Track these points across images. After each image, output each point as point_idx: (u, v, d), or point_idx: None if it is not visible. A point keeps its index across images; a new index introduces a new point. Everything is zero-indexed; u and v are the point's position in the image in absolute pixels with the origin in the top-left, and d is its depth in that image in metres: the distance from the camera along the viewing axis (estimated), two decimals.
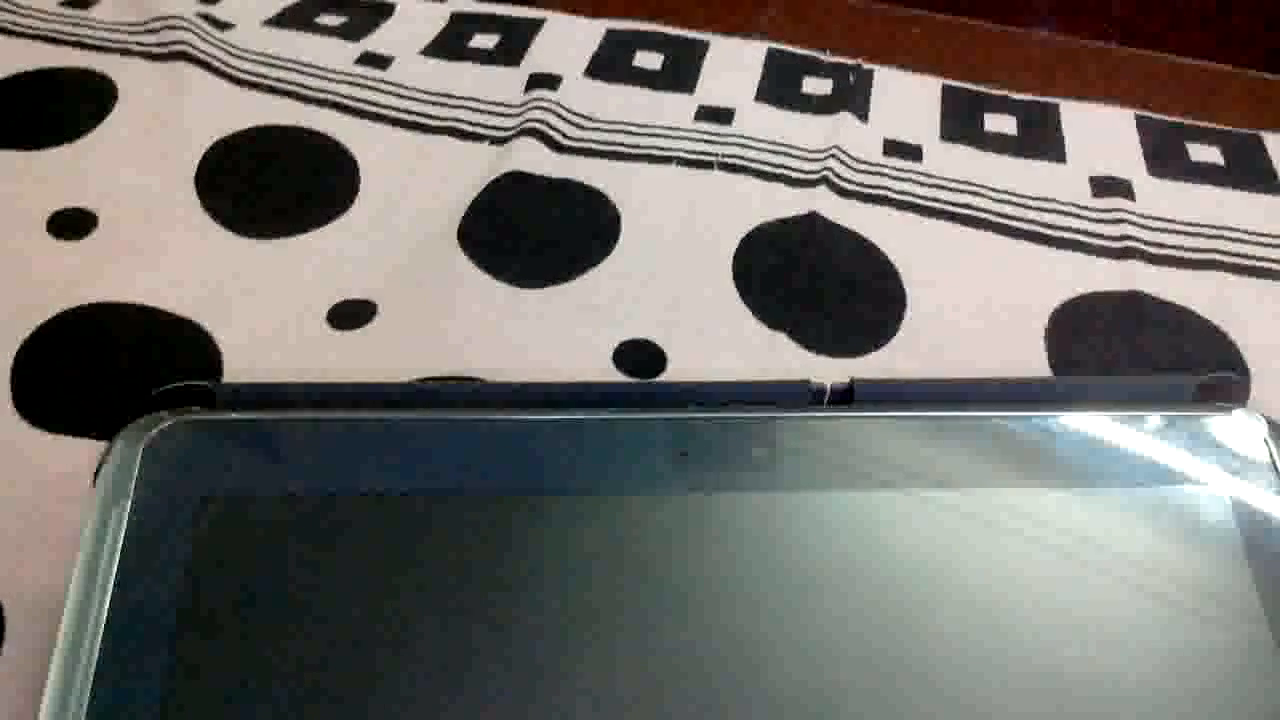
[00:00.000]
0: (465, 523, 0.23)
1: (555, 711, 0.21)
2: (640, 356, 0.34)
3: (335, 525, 0.23)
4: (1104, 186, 0.41)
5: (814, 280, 0.36)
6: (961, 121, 0.43)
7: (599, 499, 0.24)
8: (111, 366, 0.32)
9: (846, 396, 0.27)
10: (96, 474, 0.23)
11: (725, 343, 0.34)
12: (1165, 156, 0.42)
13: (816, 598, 0.23)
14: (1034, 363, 0.34)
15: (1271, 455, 0.26)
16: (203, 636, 0.21)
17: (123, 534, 0.22)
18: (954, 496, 0.25)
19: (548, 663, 0.22)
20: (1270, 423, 0.26)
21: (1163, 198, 0.40)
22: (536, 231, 0.37)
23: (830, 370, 0.34)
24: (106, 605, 0.21)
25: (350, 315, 0.34)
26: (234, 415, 0.24)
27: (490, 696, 0.21)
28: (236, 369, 0.32)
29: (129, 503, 0.22)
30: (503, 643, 0.22)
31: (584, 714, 0.21)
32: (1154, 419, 0.27)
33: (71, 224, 0.36)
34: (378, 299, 0.35)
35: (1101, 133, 0.43)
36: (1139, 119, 0.44)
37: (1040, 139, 0.43)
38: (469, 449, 0.24)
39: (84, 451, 0.30)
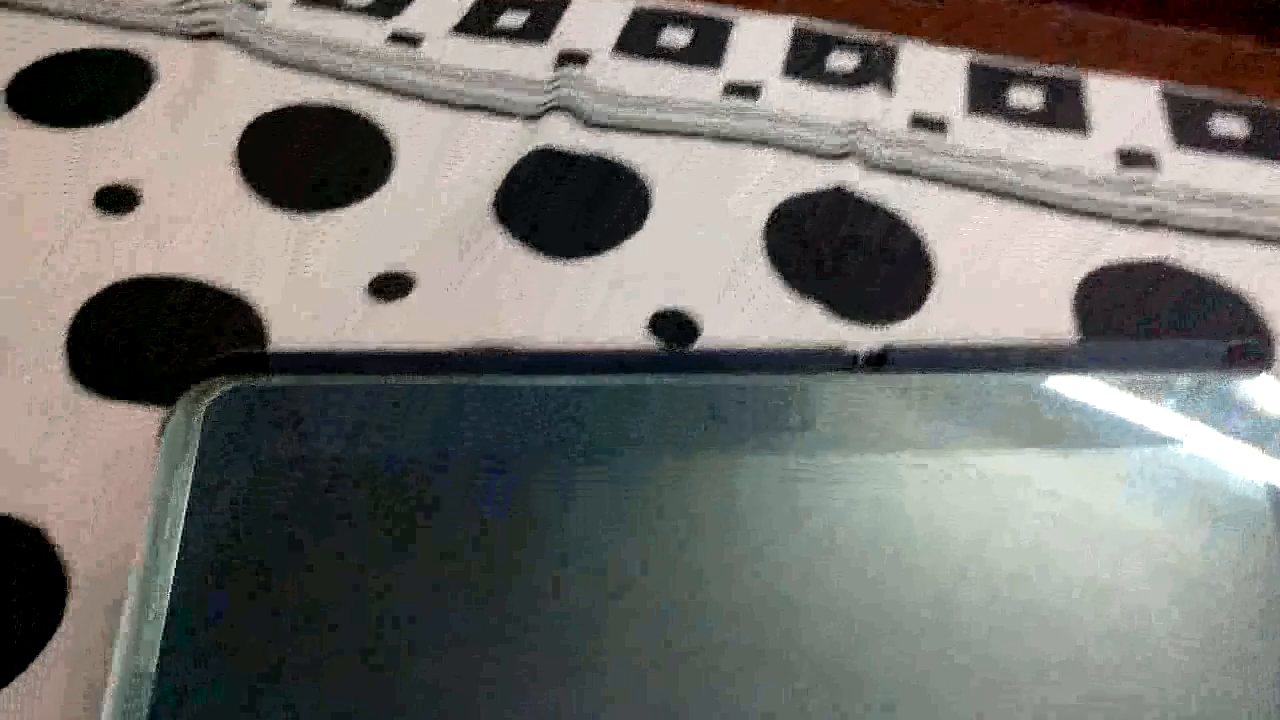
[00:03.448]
0: (513, 485, 0.24)
1: (594, 669, 0.22)
2: (674, 327, 0.34)
3: (389, 486, 0.24)
4: (1129, 158, 0.41)
5: (843, 252, 0.37)
6: (987, 95, 0.43)
7: (640, 463, 0.25)
8: (160, 338, 0.33)
9: (880, 361, 0.28)
10: (160, 436, 0.24)
11: (758, 313, 0.35)
12: (1190, 129, 0.43)
13: (852, 559, 0.24)
14: (1062, 331, 0.35)
15: None
16: (266, 593, 0.22)
17: (187, 493, 0.23)
18: (986, 458, 0.26)
19: (586, 623, 0.23)
20: None
21: (1188, 169, 0.41)
22: (570, 205, 0.38)
23: (862, 339, 0.34)
24: (174, 562, 0.22)
25: (390, 287, 0.35)
26: (290, 380, 0.25)
27: (535, 654, 0.22)
28: (281, 339, 0.33)
29: (193, 463, 0.23)
30: (548, 602, 0.23)
31: (622, 671, 0.22)
32: (1182, 382, 0.27)
33: (117, 200, 0.37)
34: (416, 272, 0.36)
35: (1126, 105, 0.43)
36: (1163, 92, 0.44)
37: (1065, 112, 0.43)
38: (518, 413, 0.25)
39: (138, 417, 0.30)
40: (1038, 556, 0.24)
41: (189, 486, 0.23)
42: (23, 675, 0.25)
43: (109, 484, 0.29)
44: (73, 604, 0.27)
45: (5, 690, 0.25)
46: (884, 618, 0.23)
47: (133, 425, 0.30)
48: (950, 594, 0.24)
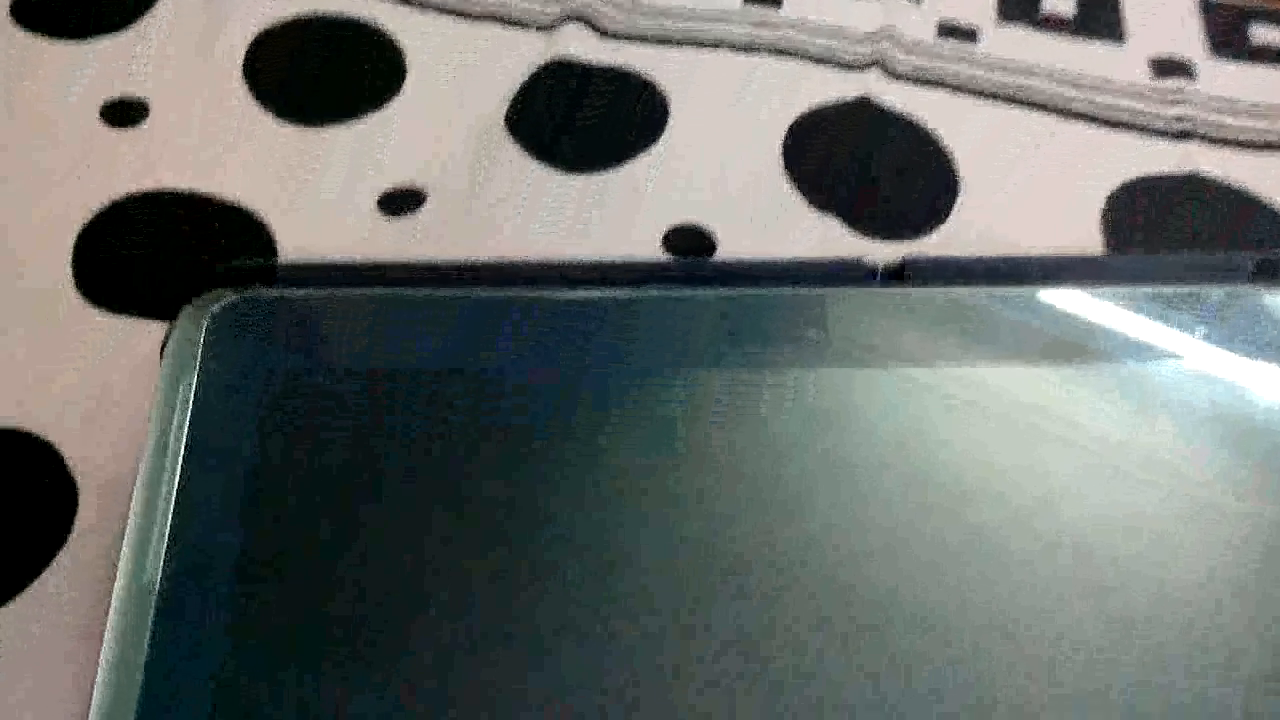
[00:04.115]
0: (521, 397, 0.24)
1: (605, 578, 0.22)
2: (690, 241, 0.34)
3: (397, 399, 0.24)
4: (1164, 67, 0.40)
5: (866, 165, 0.36)
6: (1018, 2, 0.42)
7: (653, 375, 0.25)
8: (169, 251, 0.32)
9: (898, 275, 0.27)
10: (163, 348, 0.24)
11: (776, 227, 0.34)
12: (1227, 38, 0.41)
13: (869, 474, 0.24)
14: (1090, 246, 0.34)
15: None
16: (270, 507, 0.22)
17: (190, 405, 0.23)
18: (1007, 372, 0.25)
19: (597, 537, 0.22)
20: None
21: (1224, 79, 0.39)
22: (584, 118, 0.37)
23: (882, 253, 0.33)
24: (178, 473, 0.22)
25: (400, 202, 0.34)
26: (296, 291, 0.25)
27: (542, 562, 0.22)
28: (290, 253, 0.33)
29: (195, 375, 0.23)
30: (556, 514, 0.23)
31: (634, 581, 0.22)
32: (1210, 294, 0.27)
33: (124, 113, 0.36)
34: (427, 186, 0.35)
35: (1162, 13, 0.42)
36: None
37: (1099, 19, 0.41)
38: (528, 325, 0.25)
39: (146, 331, 0.30)
40: (1060, 471, 0.24)
41: (192, 399, 0.23)
42: (32, 585, 0.26)
43: (119, 397, 0.28)
44: (82, 516, 0.27)
45: (16, 600, 0.25)
46: (901, 534, 0.23)
47: (141, 339, 0.30)
48: (969, 509, 0.23)
